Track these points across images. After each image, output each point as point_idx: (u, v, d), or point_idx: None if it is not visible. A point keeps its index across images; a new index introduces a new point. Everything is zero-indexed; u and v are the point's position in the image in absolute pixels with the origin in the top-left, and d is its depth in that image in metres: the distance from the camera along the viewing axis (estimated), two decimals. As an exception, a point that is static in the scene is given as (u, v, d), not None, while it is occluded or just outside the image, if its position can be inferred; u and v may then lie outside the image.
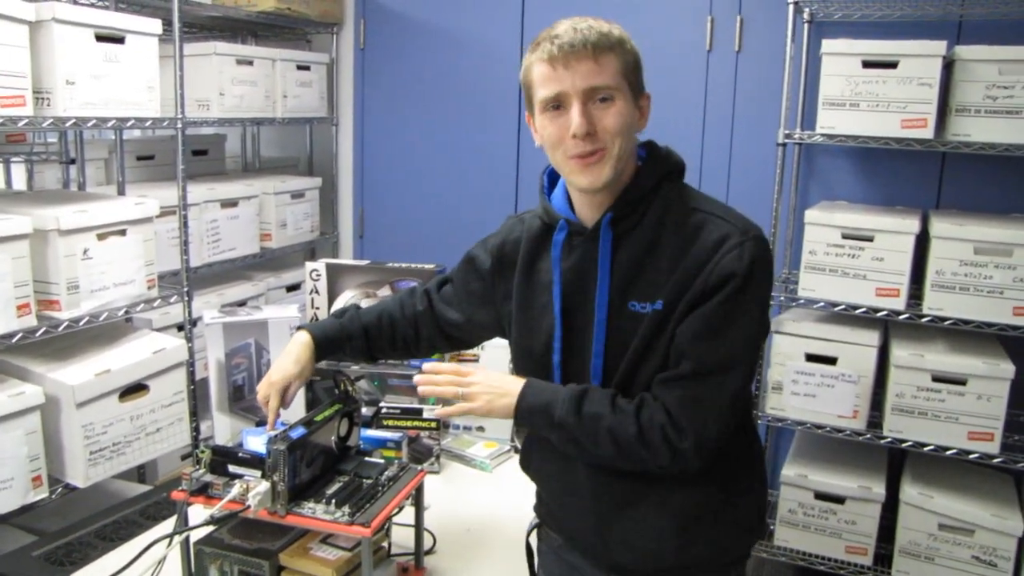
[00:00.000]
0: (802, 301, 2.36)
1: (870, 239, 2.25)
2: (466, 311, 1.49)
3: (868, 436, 2.31)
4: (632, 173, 1.25)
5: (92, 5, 2.45)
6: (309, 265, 2.33)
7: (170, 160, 2.72)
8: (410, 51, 3.21)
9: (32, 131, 2.52)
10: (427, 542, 1.58)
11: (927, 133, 2.19)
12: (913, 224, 2.22)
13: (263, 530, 1.39)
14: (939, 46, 2.16)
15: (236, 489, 1.30)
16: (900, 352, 2.24)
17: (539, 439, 1.35)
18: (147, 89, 2.20)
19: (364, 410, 1.59)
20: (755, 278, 1.17)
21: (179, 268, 2.47)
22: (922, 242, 2.24)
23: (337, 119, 3.38)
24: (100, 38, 2.05)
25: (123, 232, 2.14)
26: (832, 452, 2.52)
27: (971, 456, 2.19)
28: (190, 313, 2.46)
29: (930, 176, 2.52)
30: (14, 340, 1.89)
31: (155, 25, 2.20)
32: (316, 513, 1.30)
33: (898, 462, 2.47)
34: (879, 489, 2.33)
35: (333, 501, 1.30)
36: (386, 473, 1.42)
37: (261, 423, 1.50)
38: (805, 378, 2.36)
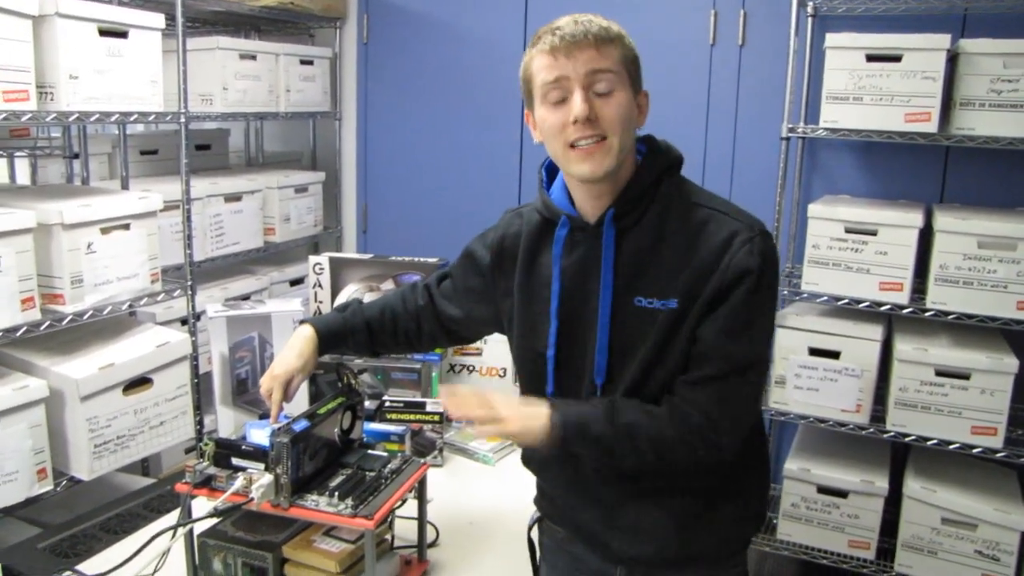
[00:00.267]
0: (805, 295, 2.35)
1: (874, 233, 2.24)
2: (465, 307, 1.49)
3: (871, 430, 2.31)
4: (632, 168, 1.25)
5: (95, -1, 2.46)
6: (312, 259, 2.33)
7: (173, 155, 2.73)
8: (413, 45, 3.21)
9: (36, 125, 2.53)
10: (430, 535, 1.58)
11: (931, 127, 2.18)
12: (917, 218, 2.21)
13: (266, 523, 1.40)
14: (943, 39, 2.15)
15: (240, 482, 1.30)
16: (903, 346, 2.23)
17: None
18: (150, 83, 2.20)
19: (367, 403, 1.60)
20: (767, 273, 1.19)
21: (183, 262, 2.48)
22: (926, 236, 2.24)
23: (340, 114, 3.37)
24: (103, 32, 2.05)
25: (127, 226, 2.14)
26: (835, 446, 2.51)
27: (974, 450, 2.19)
28: (194, 307, 2.47)
29: (934, 170, 2.51)
30: (18, 334, 1.90)
31: (158, 19, 2.20)
32: (319, 505, 1.30)
33: (901, 456, 2.47)
34: (882, 483, 2.33)
35: (336, 494, 1.31)
36: (389, 466, 1.43)
37: (264, 416, 1.50)
38: (808, 372, 2.36)
